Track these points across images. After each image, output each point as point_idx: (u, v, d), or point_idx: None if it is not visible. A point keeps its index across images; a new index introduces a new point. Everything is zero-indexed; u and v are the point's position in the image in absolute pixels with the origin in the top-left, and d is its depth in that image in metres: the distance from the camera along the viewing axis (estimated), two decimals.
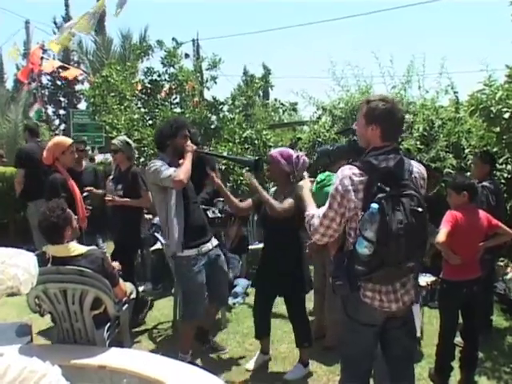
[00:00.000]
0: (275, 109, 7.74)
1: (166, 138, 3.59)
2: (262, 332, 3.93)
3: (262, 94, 8.45)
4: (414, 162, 2.43)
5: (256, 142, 6.88)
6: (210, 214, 4.13)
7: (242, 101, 7.26)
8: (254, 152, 6.82)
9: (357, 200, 2.28)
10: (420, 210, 2.19)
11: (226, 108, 7.26)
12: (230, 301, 5.36)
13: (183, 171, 3.40)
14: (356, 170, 2.30)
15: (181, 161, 3.56)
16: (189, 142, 3.61)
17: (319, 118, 7.56)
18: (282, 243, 3.58)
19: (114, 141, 4.77)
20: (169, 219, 3.48)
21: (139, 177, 4.65)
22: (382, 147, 2.35)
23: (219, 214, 4.40)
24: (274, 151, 3.67)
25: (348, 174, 2.31)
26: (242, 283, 5.75)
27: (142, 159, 6.41)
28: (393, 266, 2.22)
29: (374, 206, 2.15)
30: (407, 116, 6.47)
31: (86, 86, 20.67)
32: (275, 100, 7.82)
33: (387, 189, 2.19)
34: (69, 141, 4.30)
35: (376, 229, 2.14)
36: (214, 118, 7.00)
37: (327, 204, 2.38)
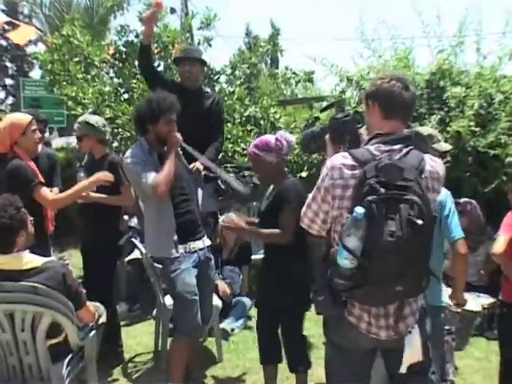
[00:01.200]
0: (286, 80, 7.76)
1: (146, 123, 3.69)
2: (271, 358, 3.94)
3: (269, 60, 8.46)
4: (428, 157, 2.43)
5: (261, 122, 6.91)
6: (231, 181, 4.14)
7: (243, 70, 7.29)
8: (259, 134, 6.81)
9: (344, 198, 2.34)
10: (420, 222, 2.17)
11: (223, 79, 7.29)
12: (228, 325, 5.37)
13: (164, 178, 3.58)
14: (349, 161, 2.35)
15: (165, 148, 3.69)
16: (175, 131, 3.71)
17: (343, 91, 7.53)
18: (282, 248, 3.70)
19: (75, 125, 4.78)
20: (158, 218, 3.62)
21: (119, 167, 4.64)
22: (387, 134, 2.39)
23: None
24: (250, 147, 3.87)
25: (338, 164, 2.36)
26: (242, 303, 5.76)
27: (115, 144, 6.42)
28: (376, 286, 2.26)
29: (359, 210, 2.16)
30: (457, 89, 6.44)
31: (41, 48, 20.71)
32: (286, 69, 7.82)
33: (381, 190, 2.19)
34: (28, 117, 4.23)
35: (360, 238, 2.17)
36: (207, 91, 6.98)
37: (312, 193, 2.49)
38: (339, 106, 3.02)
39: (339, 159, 2.37)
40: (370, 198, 2.18)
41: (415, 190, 2.22)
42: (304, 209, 2.55)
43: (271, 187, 3.94)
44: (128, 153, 3.63)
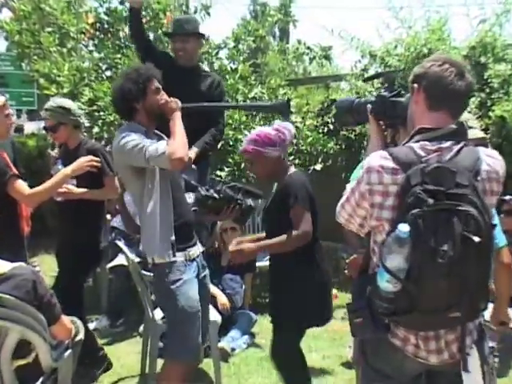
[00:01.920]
0: (299, 56, 7.75)
1: (132, 102, 3.64)
2: None
3: (278, 33, 8.46)
4: (485, 153, 2.37)
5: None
6: (202, 191, 4.12)
7: (248, 43, 7.27)
8: (266, 121, 6.82)
9: (384, 208, 2.31)
10: (477, 239, 2.13)
11: (224, 54, 7.28)
12: (227, 344, 5.38)
13: (180, 144, 3.52)
14: (389, 163, 2.30)
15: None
16: (165, 96, 3.71)
17: (365, 69, 7.55)
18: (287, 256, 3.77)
19: (44, 112, 4.77)
20: (152, 214, 3.58)
21: (100, 155, 4.65)
22: (433, 129, 2.35)
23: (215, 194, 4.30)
24: (245, 144, 3.90)
25: (376, 166, 2.32)
26: (245, 318, 5.76)
27: (95, 129, 6.43)
28: (426, 314, 2.24)
29: (403, 228, 2.14)
30: (501, 67, 6.42)
31: (6, 15, 20.64)
32: (299, 43, 7.82)
33: (429, 200, 2.16)
34: (1, 99, 4.27)
35: (404, 259, 2.15)
36: (205, 68, 6.99)
37: (347, 192, 2.49)
38: (387, 80, 2.92)
39: (378, 160, 2.33)
40: (415, 211, 2.15)
41: (471, 198, 2.18)
42: (338, 208, 2.55)
43: (275, 185, 3.99)
44: (120, 135, 3.55)
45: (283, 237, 3.72)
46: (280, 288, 3.92)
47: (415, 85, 2.42)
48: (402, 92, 2.79)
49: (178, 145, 3.49)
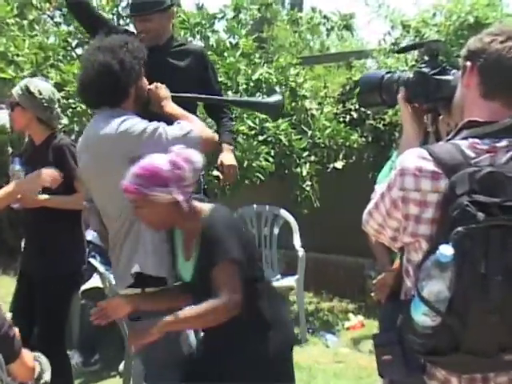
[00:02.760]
0: (314, 27, 7.75)
1: (128, 82, 3.61)
2: None
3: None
4: None
5: (277, 89, 6.91)
6: None
7: (252, 12, 7.27)
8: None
9: (421, 222, 2.27)
10: None
11: (221, 26, 7.27)
12: None
13: (200, 122, 3.73)
14: (429, 165, 2.25)
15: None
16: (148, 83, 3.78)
17: (396, 43, 7.54)
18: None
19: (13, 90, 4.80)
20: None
21: (68, 154, 4.64)
22: (486, 123, 2.30)
23: None
24: (127, 179, 3.35)
25: (413, 167, 2.27)
26: None
27: (64, 120, 6.42)
28: (473, 356, 2.19)
29: (446, 251, 2.09)
30: None
31: None
32: (313, 11, 7.83)
33: (479, 215, 2.11)
34: None
35: (446, 287, 2.12)
36: (199, 44, 6.99)
37: (376, 197, 2.45)
38: (429, 52, 2.77)
39: (414, 160, 2.28)
40: (460, 228, 2.10)
41: None
42: (365, 215, 2.52)
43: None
44: (115, 120, 3.49)
45: (200, 308, 3.24)
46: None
47: (468, 63, 2.34)
48: (448, 68, 2.69)
49: (200, 123, 3.66)
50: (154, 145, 3.42)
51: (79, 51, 6.98)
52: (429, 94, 2.64)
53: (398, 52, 6.80)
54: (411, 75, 2.76)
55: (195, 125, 3.61)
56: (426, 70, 2.69)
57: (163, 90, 3.75)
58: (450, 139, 2.33)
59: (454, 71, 2.62)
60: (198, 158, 3.41)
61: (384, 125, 7.43)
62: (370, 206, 2.49)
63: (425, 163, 2.25)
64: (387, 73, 2.90)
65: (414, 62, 7.11)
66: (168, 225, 3.52)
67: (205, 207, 3.46)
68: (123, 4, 7.39)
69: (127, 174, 3.32)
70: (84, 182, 3.92)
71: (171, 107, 3.74)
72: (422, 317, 2.16)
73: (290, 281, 6.92)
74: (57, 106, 4.79)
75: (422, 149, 2.31)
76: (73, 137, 6.53)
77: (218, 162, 4.86)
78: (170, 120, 3.68)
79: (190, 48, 5.06)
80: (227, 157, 4.87)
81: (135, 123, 3.49)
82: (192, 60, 4.90)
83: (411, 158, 2.29)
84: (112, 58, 3.55)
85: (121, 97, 3.64)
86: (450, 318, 2.12)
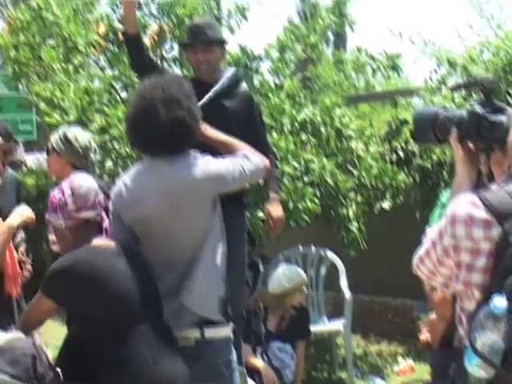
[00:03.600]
0: (359, 67, 7.76)
1: (196, 129, 3.72)
2: None
3: (332, 38, 8.51)
4: None
5: (323, 129, 6.94)
6: None
7: (296, 52, 7.31)
8: (320, 148, 6.84)
9: (474, 270, 2.26)
10: None
11: (265, 67, 7.34)
12: None
13: (253, 150, 3.88)
14: (481, 212, 2.25)
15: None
16: None
17: (443, 80, 7.55)
18: None
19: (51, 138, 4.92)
20: (215, 260, 3.70)
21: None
22: None
23: None
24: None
25: (464, 215, 2.27)
26: None
27: (108, 163, 6.51)
28: None
29: (499, 303, 2.10)
30: None
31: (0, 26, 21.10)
32: (359, 50, 7.85)
33: None
34: None
35: (501, 338, 2.10)
36: (243, 85, 7.03)
37: (427, 242, 2.45)
38: (484, 90, 2.77)
39: (465, 207, 2.28)
40: None
41: None
42: (416, 260, 2.52)
43: None
44: (199, 161, 3.68)
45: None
46: None
47: None
48: (503, 107, 2.69)
49: (250, 148, 3.86)
50: (237, 182, 3.74)
51: (123, 94, 7.08)
52: (482, 135, 2.64)
53: (452, 90, 6.78)
54: (465, 114, 2.76)
55: (253, 153, 3.82)
56: (479, 109, 2.68)
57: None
58: (502, 182, 2.34)
59: (509, 111, 2.62)
60: (80, 182, 3.66)
61: (432, 164, 7.39)
62: (421, 251, 2.48)
63: (476, 211, 2.25)
64: (442, 110, 2.92)
65: (461, 100, 7.11)
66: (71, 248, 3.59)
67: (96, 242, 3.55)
68: (167, 47, 7.50)
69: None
70: (145, 224, 3.82)
71: (212, 131, 3.86)
72: (474, 368, 2.14)
73: (337, 324, 6.87)
74: (92, 154, 4.88)
75: (473, 195, 2.31)
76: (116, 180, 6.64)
77: (265, 212, 4.95)
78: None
79: (240, 90, 5.18)
80: (275, 208, 4.94)
81: (219, 163, 3.67)
82: (239, 100, 5.02)
83: (462, 204, 2.29)
84: (182, 110, 3.61)
85: (191, 142, 3.74)
86: (505, 370, 2.10)
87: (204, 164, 3.63)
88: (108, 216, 4.01)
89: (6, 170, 5.43)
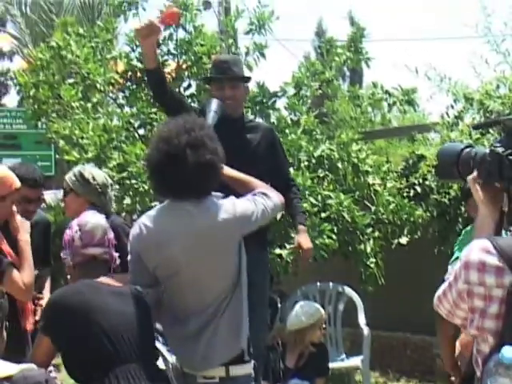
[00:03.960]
0: (376, 102, 7.80)
1: (221, 169, 3.78)
2: None
3: (348, 72, 8.56)
4: None
5: (339, 164, 6.99)
6: None
7: (312, 89, 7.37)
8: (337, 184, 6.86)
9: (487, 316, 2.28)
10: None
11: (282, 103, 7.40)
12: None
13: (269, 187, 3.98)
14: (493, 259, 2.28)
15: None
16: None
17: (459, 116, 7.60)
18: None
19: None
20: (243, 295, 3.75)
21: (122, 234, 4.73)
22: None
23: None
24: None
25: (476, 261, 2.31)
26: None
27: (127, 200, 6.56)
28: None
29: (507, 353, 2.12)
30: None
31: (19, 63, 21.26)
32: (374, 86, 7.88)
33: None
34: (17, 181, 4.49)
35: None
36: (260, 121, 7.06)
37: (444, 285, 2.48)
38: (505, 129, 2.81)
39: (478, 254, 2.30)
40: None
41: None
42: (436, 299, 2.55)
43: None
44: (225, 201, 3.73)
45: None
46: None
47: None
48: None
49: (271, 190, 3.90)
50: (261, 220, 3.78)
51: (141, 132, 7.15)
52: (503, 175, 2.63)
53: (474, 129, 6.78)
54: (487, 152, 2.75)
55: (271, 191, 3.88)
56: (500, 149, 2.67)
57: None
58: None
59: None
60: (87, 219, 3.73)
61: (449, 199, 7.40)
62: (440, 291, 2.52)
63: (489, 257, 2.27)
64: (466, 147, 2.93)
65: (478, 135, 7.13)
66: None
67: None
68: (185, 84, 7.58)
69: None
70: (171, 267, 3.81)
71: (230, 170, 3.91)
72: None
73: (356, 360, 6.85)
74: (110, 190, 4.93)
75: (486, 241, 2.32)
76: (134, 216, 6.67)
77: (296, 244, 5.02)
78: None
79: (260, 124, 5.39)
80: (305, 240, 5.02)
81: (244, 204, 3.72)
82: (262, 136, 5.11)
83: (475, 250, 2.32)
84: (210, 154, 3.62)
85: (217, 183, 3.77)
86: None
87: (230, 205, 3.67)
88: (120, 255, 4.08)
89: (35, 215, 5.45)
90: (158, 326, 6.19)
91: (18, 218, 4.52)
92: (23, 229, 4.49)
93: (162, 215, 3.77)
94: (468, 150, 2.89)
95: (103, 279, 3.63)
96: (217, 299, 3.68)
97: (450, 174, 3.04)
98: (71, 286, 3.65)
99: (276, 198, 3.84)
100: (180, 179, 3.63)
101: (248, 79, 5.24)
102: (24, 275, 4.21)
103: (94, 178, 4.84)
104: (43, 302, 5.13)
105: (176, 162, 3.59)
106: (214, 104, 4.63)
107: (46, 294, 5.38)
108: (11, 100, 26.16)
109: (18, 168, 4.98)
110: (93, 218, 3.78)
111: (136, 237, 3.75)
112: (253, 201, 3.74)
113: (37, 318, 4.73)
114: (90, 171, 4.92)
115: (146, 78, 5.32)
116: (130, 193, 6.63)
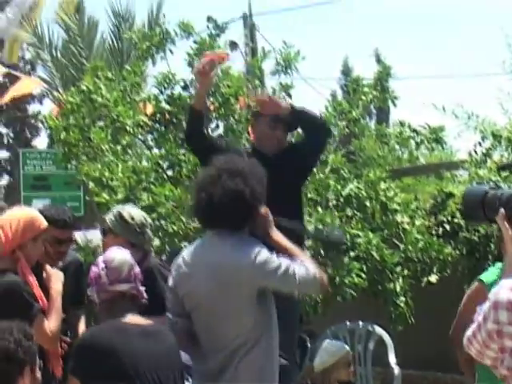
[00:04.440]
0: (403, 140, 7.83)
1: (255, 206, 3.76)
2: None
3: (375, 111, 8.60)
4: None
5: (367, 203, 7.01)
6: None
7: (340, 128, 7.42)
8: (365, 223, 6.88)
9: None
10: None
11: None
12: None
13: (314, 263, 3.75)
14: None
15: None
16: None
17: (487, 153, 7.61)
18: None
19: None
20: (269, 348, 3.72)
21: (158, 276, 4.77)
22: None
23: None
24: None
25: (506, 300, 2.33)
26: None
27: (156, 242, 6.59)
28: None
29: None
30: None
31: (48, 105, 21.50)
32: (402, 125, 7.92)
33: None
34: (44, 221, 4.58)
35: None
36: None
37: (474, 326, 2.47)
38: None
39: (507, 293, 2.32)
40: None
41: None
42: (465, 340, 2.54)
43: None
44: (250, 248, 3.67)
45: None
46: None
47: None
48: None
49: (315, 265, 3.70)
50: (287, 282, 3.63)
51: (170, 173, 7.21)
52: None
53: (501, 169, 6.78)
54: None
55: (315, 266, 3.71)
56: None
57: (271, 217, 3.84)
58: None
59: None
60: (113, 255, 3.76)
61: (479, 237, 7.38)
62: (469, 332, 2.51)
63: None
64: (491, 189, 2.98)
65: (506, 173, 7.12)
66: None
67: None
68: (213, 125, 7.68)
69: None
70: (192, 299, 3.88)
71: (278, 236, 3.81)
72: None
73: None
74: (148, 229, 4.98)
75: None
76: (163, 257, 6.70)
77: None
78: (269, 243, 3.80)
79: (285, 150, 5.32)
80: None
81: (270, 256, 3.62)
82: (288, 161, 5.09)
83: (504, 290, 2.34)
84: (244, 185, 3.65)
85: (247, 221, 3.76)
86: None
87: (255, 252, 3.62)
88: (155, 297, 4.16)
89: (67, 256, 5.51)
90: (187, 358, 6.23)
91: (53, 269, 4.63)
92: (56, 277, 4.57)
93: (196, 248, 3.86)
94: (493, 191, 2.93)
95: (131, 318, 3.66)
96: (232, 342, 3.69)
97: (475, 216, 3.07)
98: (98, 328, 3.72)
99: (315, 272, 3.67)
100: (210, 201, 3.67)
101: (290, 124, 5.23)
102: (51, 323, 4.29)
103: (132, 218, 4.89)
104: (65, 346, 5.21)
105: (211, 182, 3.67)
106: None
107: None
108: (41, 142, 26.55)
109: (48, 210, 5.07)
110: (119, 254, 3.82)
111: (174, 267, 3.86)
112: (284, 260, 3.63)
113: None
114: (129, 211, 4.96)
115: (187, 117, 5.33)
116: (160, 234, 6.68)
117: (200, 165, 5.52)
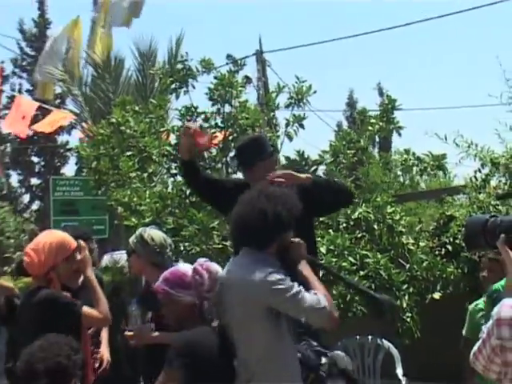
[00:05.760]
0: (407, 168, 7.89)
1: (278, 230, 3.68)
2: None
3: (379, 140, 8.65)
4: None
5: (375, 226, 7.06)
6: None
7: (348, 156, 7.49)
8: (373, 244, 6.92)
9: None
10: None
11: (321, 170, 7.58)
12: None
13: (330, 300, 3.61)
14: None
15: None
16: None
17: (486, 179, 7.68)
18: None
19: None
20: (285, 367, 3.63)
21: None
22: None
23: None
24: (158, 281, 3.96)
25: (508, 318, 2.38)
26: None
27: (180, 263, 6.67)
28: None
29: None
30: None
31: (76, 136, 21.62)
32: (406, 153, 7.98)
33: None
34: (73, 241, 4.69)
35: None
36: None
37: (479, 342, 2.52)
38: None
39: (509, 311, 2.38)
40: None
41: None
42: (472, 356, 2.58)
43: None
44: (263, 268, 3.56)
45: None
46: None
47: None
48: None
49: (330, 301, 3.58)
50: (292, 305, 3.52)
51: (192, 198, 7.28)
52: None
53: (499, 198, 6.82)
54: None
55: (327, 299, 3.55)
56: None
57: (303, 248, 3.76)
58: None
59: None
60: (216, 268, 3.82)
61: (479, 256, 7.40)
62: (476, 348, 2.56)
63: None
64: (491, 217, 3.01)
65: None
66: (183, 325, 3.79)
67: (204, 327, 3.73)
68: (231, 154, 7.75)
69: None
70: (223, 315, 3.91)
71: (307, 270, 3.71)
72: None
73: None
74: (169, 250, 5.04)
75: None
76: None
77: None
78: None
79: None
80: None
81: (282, 278, 3.51)
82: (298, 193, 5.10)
83: (506, 308, 2.40)
84: (270, 207, 3.60)
85: (268, 242, 3.67)
86: None
87: (267, 271, 3.52)
88: None
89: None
90: None
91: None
92: (86, 265, 4.68)
93: (229, 262, 3.85)
94: (493, 219, 2.97)
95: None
96: (250, 357, 3.62)
97: (477, 244, 3.11)
98: (202, 331, 3.72)
99: (326, 305, 3.52)
100: (238, 222, 3.70)
101: (263, 156, 4.99)
102: (100, 307, 4.44)
103: (152, 239, 4.94)
104: (101, 356, 5.28)
105: (246, 202, 3.68)
106: None
107: (104, 348, 5.51)
108: (69, 169, 26.76)
109: (66, 231, 5.17)
110: (219, 268, 3.88)
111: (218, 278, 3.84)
112: (295, 287, 3.52)
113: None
114: (150, 233, 5.02)
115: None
116: (183, 254, 6.75)
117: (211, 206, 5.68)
